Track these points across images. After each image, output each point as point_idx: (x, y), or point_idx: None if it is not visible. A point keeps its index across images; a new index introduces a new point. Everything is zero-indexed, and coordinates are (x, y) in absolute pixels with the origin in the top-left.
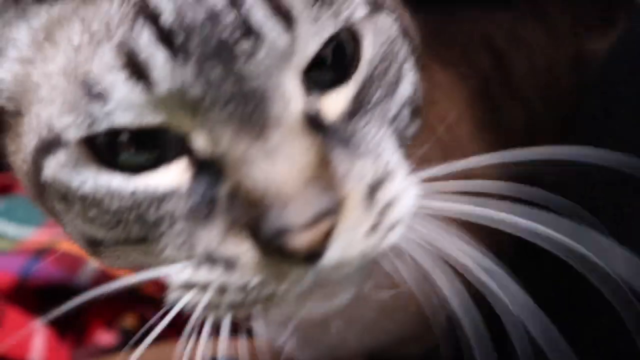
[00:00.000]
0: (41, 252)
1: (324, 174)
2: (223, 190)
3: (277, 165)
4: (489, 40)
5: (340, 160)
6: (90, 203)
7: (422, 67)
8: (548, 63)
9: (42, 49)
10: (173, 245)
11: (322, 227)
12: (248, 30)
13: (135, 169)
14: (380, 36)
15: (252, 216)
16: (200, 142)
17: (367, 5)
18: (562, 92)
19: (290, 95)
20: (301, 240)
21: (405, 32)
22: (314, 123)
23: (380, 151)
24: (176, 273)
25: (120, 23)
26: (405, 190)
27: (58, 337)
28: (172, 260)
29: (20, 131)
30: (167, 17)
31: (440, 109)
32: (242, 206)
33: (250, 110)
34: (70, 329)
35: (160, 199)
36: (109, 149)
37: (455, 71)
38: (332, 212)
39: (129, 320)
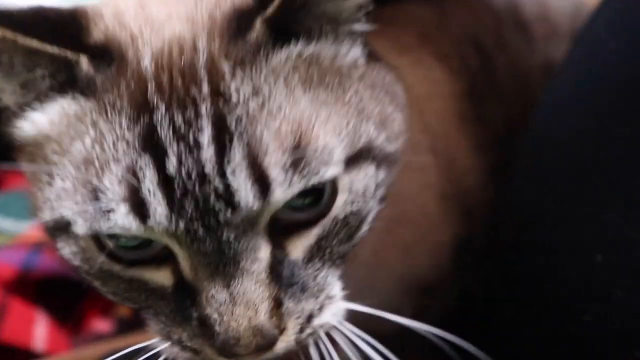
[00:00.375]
0: (40, 245)
1: (273, 317)
2: (195, 314)
3: (238, 313)
4: (477, 41)
5: (289, 303)
6: (97, 277)
7: (421, 61)
8: (526, 69)
9: (57, 134)
10: (157, 326)
11: (261, 354)
12: (228, 196)
13: (132, 261)
14: (355, 191)
15: (212, 338)
16: (184, 265)
17: (342, 163)
18: (534, 97)
19: (257, 253)
20: (246, 357)
21: (386, 160)
22: (276, 270)
23: (324, 287)
24: (157, 344)
25: (129, 149)
26: (334, 315)
27: (58, 326)
28: (155, 331)
29: (37, 177)
30: (171, 162)
31: (434, 104)
32: (206, 329)
33: (225, 262)
34: (69, 318)
35: (149, 291)
36: (110, 235)
37: (448, 66)
38: (272, 342)
39: (123, 309)
